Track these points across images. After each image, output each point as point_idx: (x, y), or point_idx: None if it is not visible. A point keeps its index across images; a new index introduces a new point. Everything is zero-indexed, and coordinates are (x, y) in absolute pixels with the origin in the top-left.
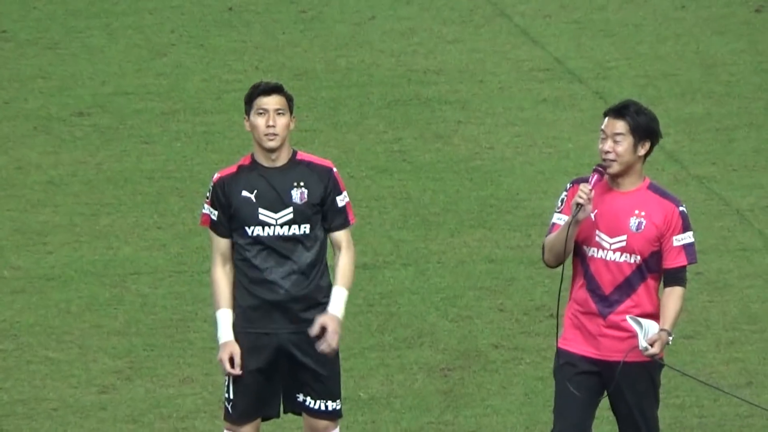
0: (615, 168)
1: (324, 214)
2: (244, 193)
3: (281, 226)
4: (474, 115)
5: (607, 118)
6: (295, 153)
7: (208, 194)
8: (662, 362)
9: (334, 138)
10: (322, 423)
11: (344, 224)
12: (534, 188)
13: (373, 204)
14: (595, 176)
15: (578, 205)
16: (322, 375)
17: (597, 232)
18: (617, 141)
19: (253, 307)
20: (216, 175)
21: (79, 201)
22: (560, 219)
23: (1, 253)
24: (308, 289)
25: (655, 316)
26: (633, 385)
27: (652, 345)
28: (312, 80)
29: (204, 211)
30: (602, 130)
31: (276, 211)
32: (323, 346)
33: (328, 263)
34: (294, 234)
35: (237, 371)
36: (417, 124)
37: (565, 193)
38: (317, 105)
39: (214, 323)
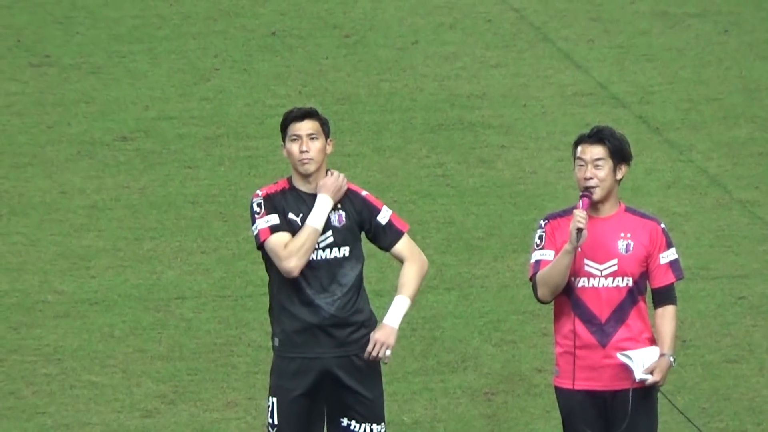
0: (598, 194)
1: (373, 237)
2: (291, 215)
3: (323, 249)
4: (517, 140)
5: (582, 146)
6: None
7: (258, 210)
8: (658, 388)
9: (378, 162)
10: None
11: (398, 236)
12: None
13: (416, 228)
14: (585, 201)
15: (579, 230)
16: (366, 398)
17: (585, 261)
18: (598, 166)
19: (298, 331)
20: (261, 191)
21: (122, 225)
22: (544, 255)
23: (44, 278)
24: (351, 312)
25: (651, 337)
26: (635, 408)
27: (651, 373)
28: (355, 105)
29: (259, 227)
30: (579, 158)
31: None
32: (365, 354)
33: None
34: (335, 257)
35: (270, 418)
36: (460, 149)
37: (541, 230)
38: (360, 129)
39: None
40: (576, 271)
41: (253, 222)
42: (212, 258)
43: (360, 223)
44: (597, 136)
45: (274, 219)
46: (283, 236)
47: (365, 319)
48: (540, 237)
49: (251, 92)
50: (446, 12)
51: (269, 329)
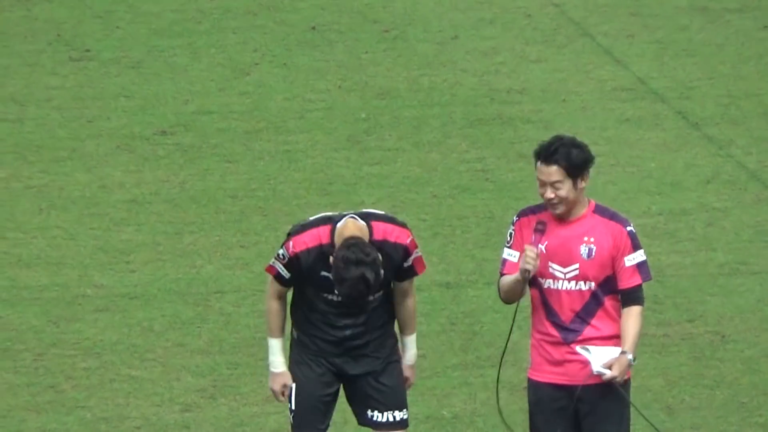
0: (561, 209)
1: (394, 274)
2: (324, 273)
3: None
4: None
5: (538, 164)
6: (371, 230)
7: (282, 257)
8: (620, 390)
9: (417, 157)
10: None
11: (411, 276)
12: (617, 207)
13: (455, 223)
14: (538, 236)
15: (526, 270)
16: (385, 385)
17: (549, 263)
18: (557, 187)
19: (315, 337)
20: (292, 247)
21: (162, 220)
22: (510, 255)
23: (84, 272)
24: (377, 334)
25: (615, 334)
26: (596, 406)
27: (610, 368)
28: (395, 99)
29: (274, 265)
30: (538, 177)
31: None
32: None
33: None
34: (369, 300)
35: (289, 403)
36: (500, 143)
37: (512, 227)
38: (400, 124)
39: (266, 349)
40: (542, 273)
41: (274, 256)
42: (251, 252)
43: (397, 269)
44: (551, 157)
45: (286, 274)
46: (283, 291)
47: (384, 322)
48: (510, 234)
49: (291, 87)
50: (486, 7)
51: None
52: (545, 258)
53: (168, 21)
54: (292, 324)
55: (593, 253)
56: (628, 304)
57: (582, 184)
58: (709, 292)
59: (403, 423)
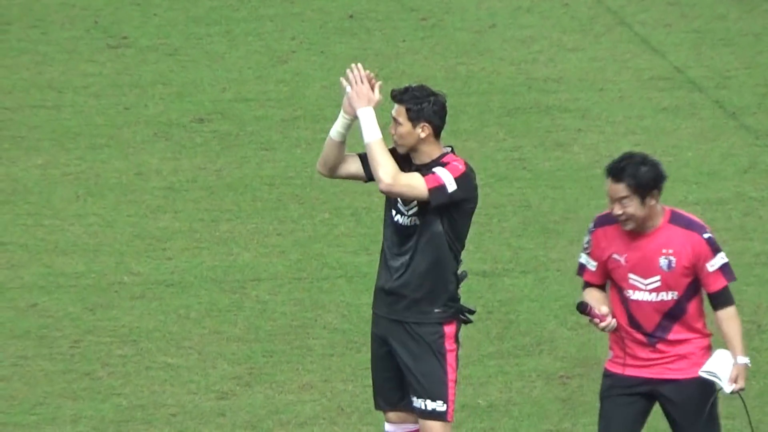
0: (630, 225)
1: None
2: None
3: (409, 216)
4: (594, 124)
5: (607, 181)
6: (443, 155)
7: None
8: (742, 397)
9: (454, 145)
10: (425, 423)
11: (423, 170)
12: None
13: (492, 212)
14: (596, 315)
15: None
16: (420, 373)
17: (629, 275)
18: (624, 204)
19: (377, 287)
20: None
21: (198, 207)
22: (589, 263)
23: (121, 259)
24: (420, 289)
25: (700, 331)
26: (687, 401)
27: (735, 381)
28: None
29: None
30: (608, 193)
31: (406, 204)
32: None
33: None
34: (414, 224)
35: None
36: (537, 132)
37: (589, 235)
38: None
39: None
40: (622, 282)
41: None
42: (288, 240)
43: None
44: (618, 174)
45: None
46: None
47: (435, 305)
48: (588, 241)
49: (328, 75)
50: None
51: (345, 312)
52: (625, 270)
53: (205, 8)
54: None
55: (673, 264)
56: (721, 307)
57: (652, 202)
58: (746, 282)
59: (436, 414)
